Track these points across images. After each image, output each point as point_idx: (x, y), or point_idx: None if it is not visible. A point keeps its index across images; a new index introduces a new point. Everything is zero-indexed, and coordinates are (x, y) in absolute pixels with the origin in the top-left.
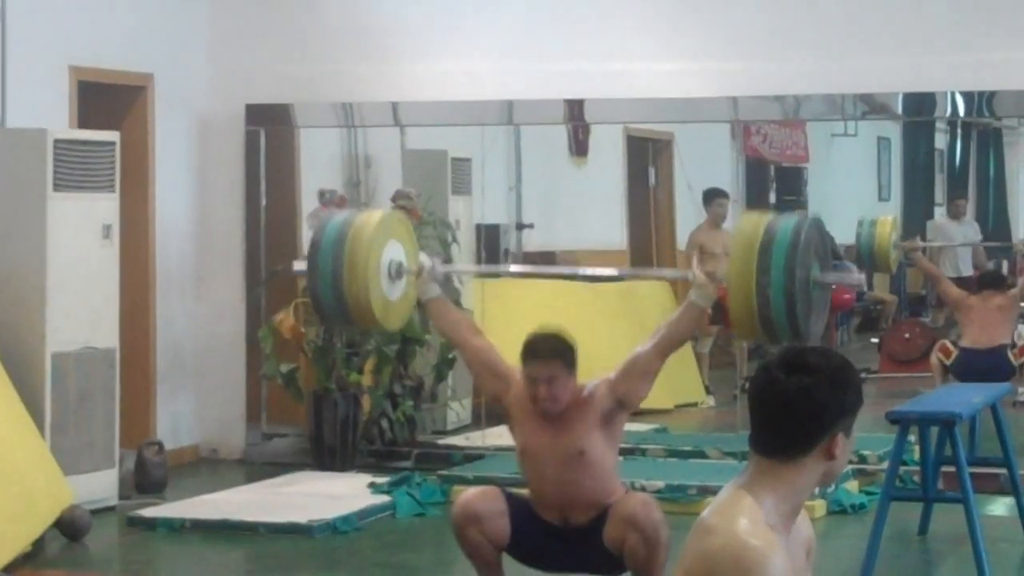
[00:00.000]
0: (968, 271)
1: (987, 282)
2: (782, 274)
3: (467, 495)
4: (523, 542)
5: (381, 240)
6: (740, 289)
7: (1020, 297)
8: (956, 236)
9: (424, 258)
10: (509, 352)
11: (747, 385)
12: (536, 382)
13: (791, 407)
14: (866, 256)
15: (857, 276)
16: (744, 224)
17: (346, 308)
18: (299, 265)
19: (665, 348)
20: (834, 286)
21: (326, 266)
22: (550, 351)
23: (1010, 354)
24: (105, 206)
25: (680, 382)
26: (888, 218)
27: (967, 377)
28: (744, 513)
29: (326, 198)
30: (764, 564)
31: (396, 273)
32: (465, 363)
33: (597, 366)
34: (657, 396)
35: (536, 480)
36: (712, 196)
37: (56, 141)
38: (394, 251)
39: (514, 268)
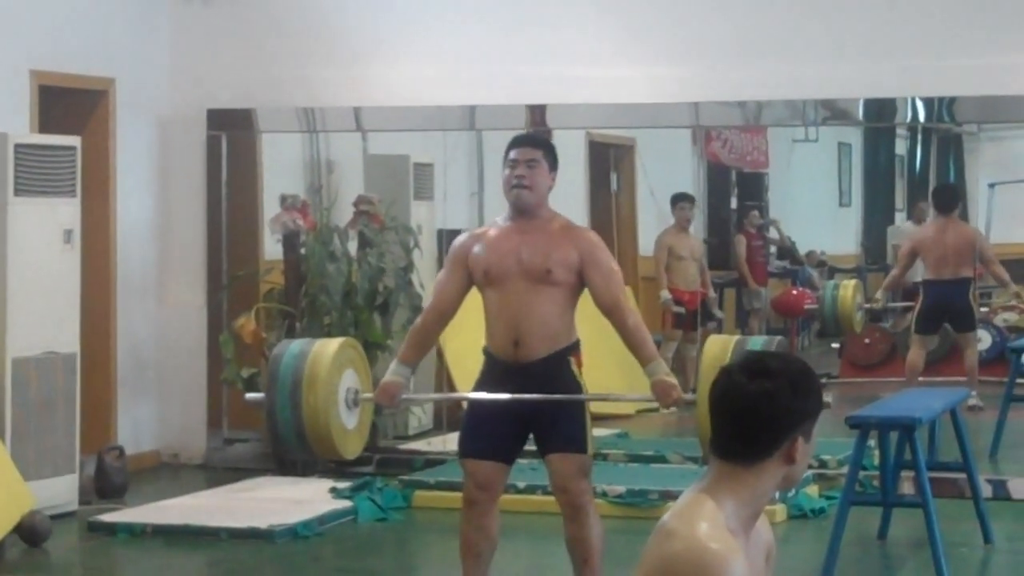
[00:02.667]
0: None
1: (942, 201)
2: None
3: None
4: (491, 427)
5: (337, 376)
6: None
7: (982, 258)
8: None
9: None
10: (470, 358)
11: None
12: (516, 164)
13: (753, 411)
14: (830, 320)
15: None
16: (711, 347)
17: (305, 439)
18: (253, 397)
19: (617, 316)
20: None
21: (285, 413)
22: (535, 140)
23: (971, 294)
24: (66, 211)
25: (641, 387)
26: (851, 282)
27: (934, 311)
28: (704, 517)
29: (288, 203)
30: (724, 568)
31: (353, 402)
32: (457, 297)
33: None
34: (618, 402)
35: (497, 302)
36: (678, 200)
37: (17, 146)
38: (349, 379)
39: (472, 395)
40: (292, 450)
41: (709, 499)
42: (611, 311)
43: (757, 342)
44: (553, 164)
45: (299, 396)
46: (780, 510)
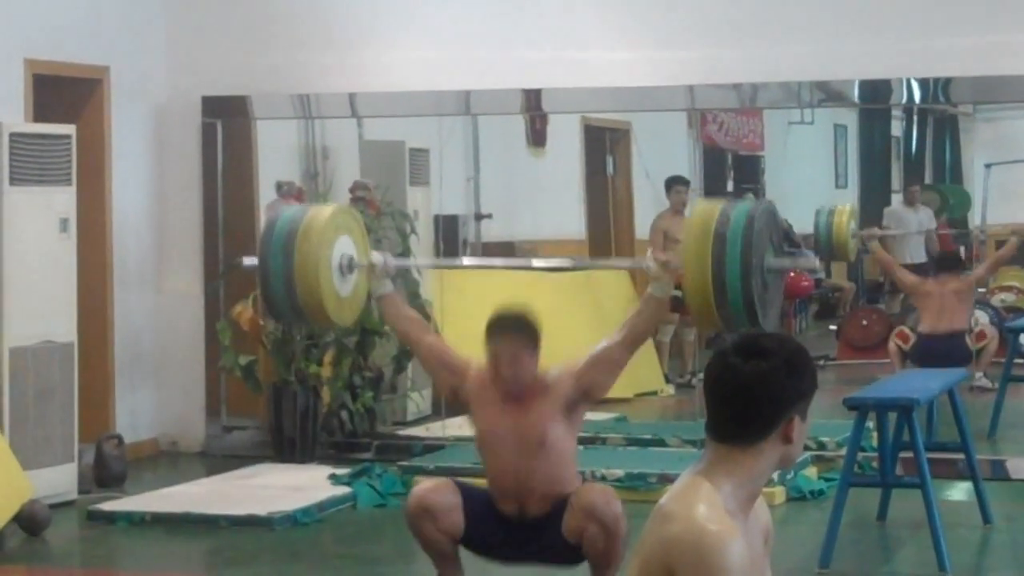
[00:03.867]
0: (921, 258)
1: (944, 265)
2: (738, 262)
3: (420, 488)
4: (478, 535)
5: (332, 235)
6: (696, 278)
7: (977, 282)
8: (911, 223)
9: (376, 255)
10: (469, 343)
11: (696, 375)
12: (499, 359)
13: (749, 392)
14: (824, 245)
15: (811, 259)
16: (698, 212)
17: (297, 305)
18: (249, 261)
19: (631, 341)
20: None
21: (276, 263)
22: (514, 328)
23: (968, 339)
24: (62, 199)
25: (639, 371)
26: (846, 207)
27: (926, 363)
28: (702, 499)
29: (283, 190)
30: (723, 550)
31: (347, 268)
32: (419, 360)
33: (556, 356)
34: (617, 385)
35: (494, 468)
36: (674, 183)
37: (12, 135)
38: (345, 246)
39: (467, 261)
40: (285, 317)
41: (706, 481)
42: (627, 347)
43: (743, 208)
44: (536, 342)
45: (291, 263)
46: (779, 492)
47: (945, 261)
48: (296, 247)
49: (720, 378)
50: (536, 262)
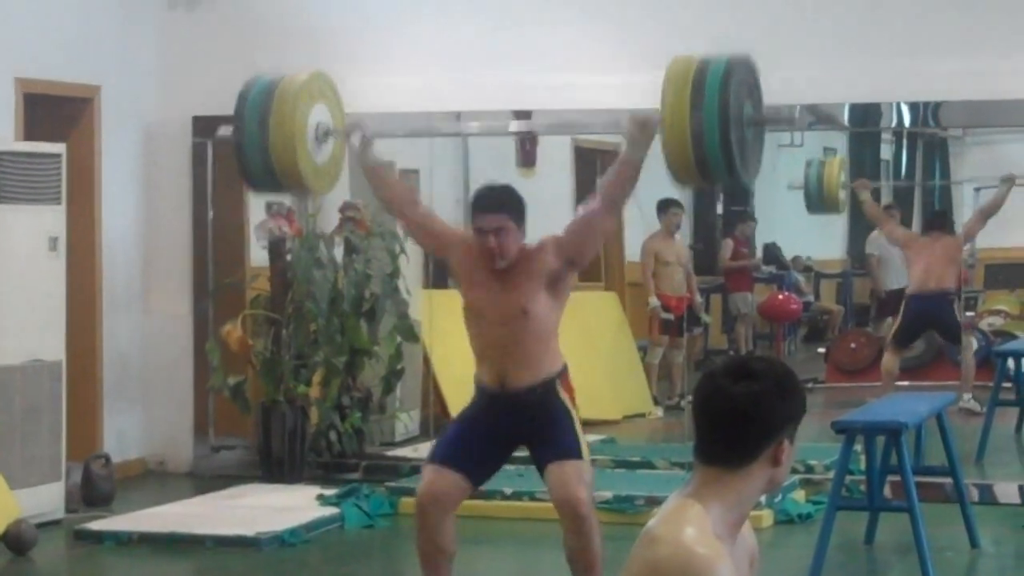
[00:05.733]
0: (903, 283)
1: (933, 224)
2: (715, 110)
3: (423, 484)
4: (476, 439)
5: (307, 102)
6: (674, 127)
7: (967, 235)
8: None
9: (355, 120)
10: (458, 362)
11: (684, 397)
12: (485, 233)
13: (739, 415)
14: (815, 196)
15: (787, 113)
16: (676, 63)
17: (272, 170)
18: (224, 130)
19: (609, 205)
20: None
21: (252, 131)
22: (499, 203)
23: (956, 304)
24: (51, 218)
25: (628, 393)
26: (836, 159)
27: (915, 325)
28: (691, 522)
29: (273, 210)
30: (711, 573)
31: (323, 136)
32: (408, 231)
33: None
34: (605, 407)
35: (479, 339)
36: (666, 206)
37: (1, 153)
38: (320, 113)
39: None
40: (262, 186)
41: (695, 504)
42: (608, 211)
43: (721, 62)
44: (521, 218)
45: (266, 129)
46: (767, 515)
47: (934, 220)
48: (272, 114)
49: (710, 400)
50: None
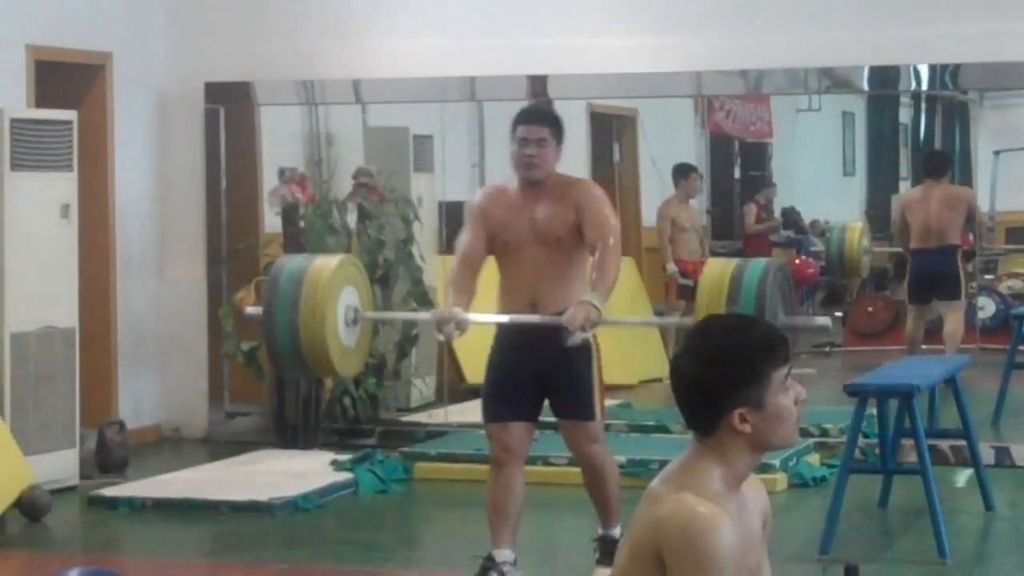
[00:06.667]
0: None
1: (929, 168)
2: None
3: (496, 445)
4: (510, 371)
5: (338, 286)
6: None
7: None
8: None
9: (445, 315)
10: (474, 333)
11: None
12: (526, 143)
13: (680, 388)
14: (836, 262)
15: (822, 320)
16: (710, 270)
17: (302, 355)
18: (252, 310)
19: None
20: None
21: (283, 313)
22: (542, 117)
23: (959, 257)
24: (63, 185)
25: (643, 358)
26: (857, 224)
27: (919, 283)
28: (692, 482)
29: (286, 176)
30: (711, 532)
31: (352, 320)
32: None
33: None
34: (620, 372)
35: (512, 270)
36: (682, 171)
37: (13, 121)
38: (350, 296)
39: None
40: (289, 369)
41: (695, 464)
42: (598, 245)
43: (757, 266)
44: (560, 138)
45: (296, 314)
46: (781, 478)
47: (931, 161)
48: (303, 298)
49: (670, 372)
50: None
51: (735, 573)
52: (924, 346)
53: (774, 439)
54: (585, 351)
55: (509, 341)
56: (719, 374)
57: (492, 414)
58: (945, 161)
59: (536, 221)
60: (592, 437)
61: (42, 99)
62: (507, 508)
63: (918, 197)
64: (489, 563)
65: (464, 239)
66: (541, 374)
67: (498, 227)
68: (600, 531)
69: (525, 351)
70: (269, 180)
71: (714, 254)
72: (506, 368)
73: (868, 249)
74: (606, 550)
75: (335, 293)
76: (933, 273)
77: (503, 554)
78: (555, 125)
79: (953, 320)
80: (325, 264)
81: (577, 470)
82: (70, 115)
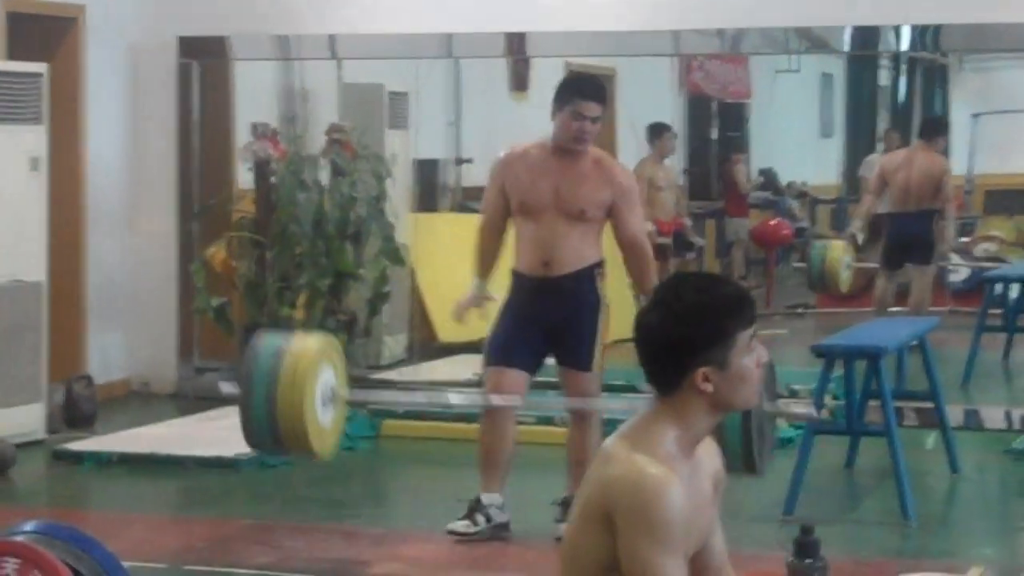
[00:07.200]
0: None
1: (925, 130)
2: (737, 416)
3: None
4: (525, 324)
5: (317, 366)
6: None
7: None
8: None
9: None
10: (441, 286)
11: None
12: (581, 118)
13: (645, 345)
14: (817, 279)
15: (806, 409)
16: None
17: (279, 434)
18: (228, 388)
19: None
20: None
21: (260, 392)
22: (601, 95)
23: (934, 228)
24: (32, 139)
25: (617, 318)
26: (839, 243)
27: (896, 246)
28: (645, 442)
29: (259, 132)
30: (660, 495)
31: (330, 399)
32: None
33: None
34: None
35: (531, 231)
36: (658, 131)
37: None
38: (328, 376)
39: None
40: (264, 445)
41: (651, 425)
42: (633, 244)
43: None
44: (603, 112)
45: (275, 396)
46: None
47: (928, 125)
48: (280, 381)
49: (634, 328)
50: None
51: (684, 535)
52: (894, 308)
53: (735, 400)
54: (597, 306)
55: (526, 292)
56: (686, 331)
57: (495, 359)
58: (942, 127)
59: (562, 190)
60: (588, 388)
61: (13, 51)
62: (498, 455)
63: (901, 160)
64: (475, 504)
65: (487, 202)
66: (552, 325)
67: (520, 188)
68: (567, 493)
69: (541, 303)
70: (243, 136)
71: (691, 214)
72: (519, 318)
73: (849, 265)
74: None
75: (315, 372)
76: (909, 238)
77: (491, 497)
78: (606, 103)
79: (921, 286)
80: (304, 343)
81: (546, 429)
82: (41, 67)
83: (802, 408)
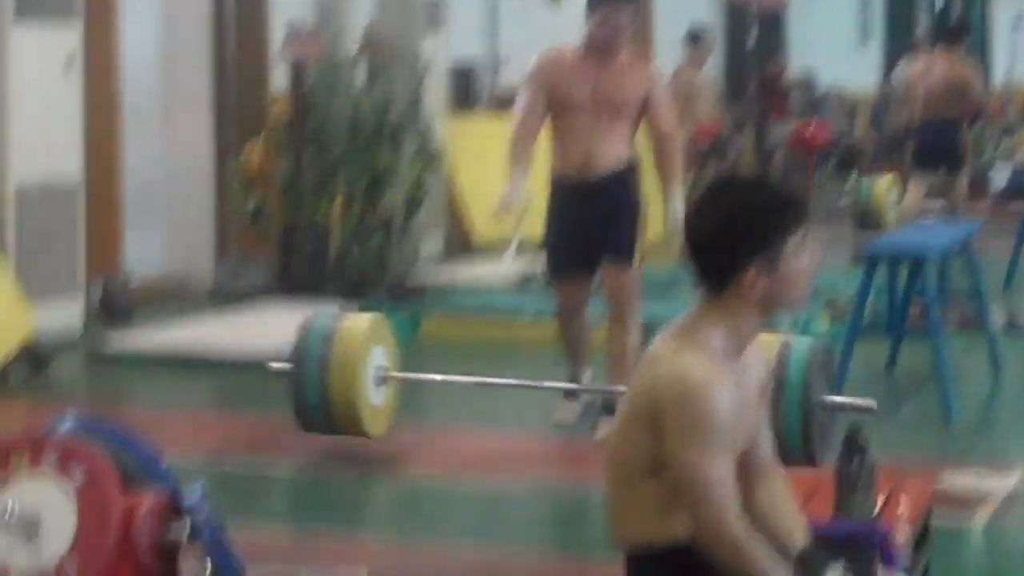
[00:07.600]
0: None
1: (943, 33)
2: (797, 408)
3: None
4: (566, 227)
5: (367, 346)
6: None
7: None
8: None
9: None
10: (481, 187)
11: None
12: (613, 24)
13: (696, 243)
14: (865, 211)
15: (865, 401)
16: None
17: (333, 421)
18: (277, 365)
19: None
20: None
21: (312, 381)
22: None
23: (959, 137)
24: (67, 36)
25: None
26: (886, 178)
27: (924, 154)
28: (689, 345)
29: (295, 31)
30: (706, 395)
31: (380, 379)
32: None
33: None
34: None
35: (570, 131)
36: (696, 38)
37: None
38: (378, 357)
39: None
40: (317, 427)
41: (698, 325)
42: (667, 137)
43: (801, 348)
44: (636, 16)
45: (327, 378)
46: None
47: (947, 29)
48: (331, 380)
49: (685, 227)
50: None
51: (730, 436)
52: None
53: (784, 300)
54: (636, 205)
55: (564, 196)
56: (738, 231)
57: (554, 269)
58: (963, 28)
59: (598, 88)
60: (629, 282)
61: None
62: (577, 352)
63: (920, 70)
64: (569, 394)
65: (521, 102)
66: (595, 221)
67: (558, 89)
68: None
69: (579, 203)
70: (279, 34)
71: (730, 119)
72: (564, 223)
73: (894, 203)
74: (610, 405)
75: (365, 353)
76: (933, 144)
77: (583, 376)
78: (635, 10)
79: (954, 190)
80: (354, 324)
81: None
82: None
83: (861, 400)
